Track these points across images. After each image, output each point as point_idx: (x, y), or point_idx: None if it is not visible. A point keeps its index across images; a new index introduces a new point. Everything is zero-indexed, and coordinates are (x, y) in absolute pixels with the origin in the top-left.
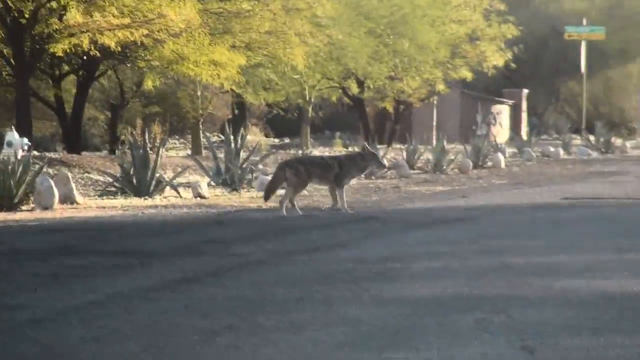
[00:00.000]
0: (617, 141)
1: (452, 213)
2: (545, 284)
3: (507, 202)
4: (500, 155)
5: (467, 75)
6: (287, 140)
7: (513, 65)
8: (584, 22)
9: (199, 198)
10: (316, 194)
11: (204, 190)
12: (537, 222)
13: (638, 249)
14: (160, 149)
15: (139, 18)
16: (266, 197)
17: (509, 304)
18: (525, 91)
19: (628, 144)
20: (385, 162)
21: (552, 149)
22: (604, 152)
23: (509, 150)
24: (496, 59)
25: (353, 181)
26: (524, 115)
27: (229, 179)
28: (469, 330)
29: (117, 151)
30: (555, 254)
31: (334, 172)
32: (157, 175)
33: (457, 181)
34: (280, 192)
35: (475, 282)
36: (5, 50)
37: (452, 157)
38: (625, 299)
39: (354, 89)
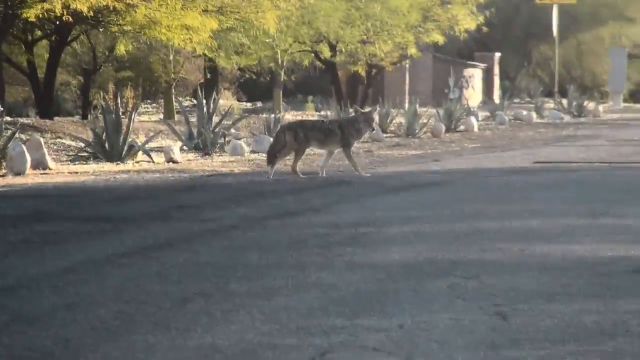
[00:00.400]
0: (589, 105)
1: (425, 177)
2: (519, 249)
3: (480, 166)
4: (472, 118)
5: (439, 39)
6: (259, 104)
7: (485, 29)
8: None
9: (171, 163)
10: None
11: (176, 154)
12: (510, 186)
13: (611, 213)
14: (133, 114)
15: None
16: (268, 162)
17: (483, 270)
18: (498, 55)
19: (600, 107)
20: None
21: (524, 113)
22: (576, 116)
23: (482, 114)
24: (468, 22)
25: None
26: (496, 79)
27: (201, 144)
28: (442, 295)
29: (89, 116)
30: (529, 219)
31: (338, 137)
32: (130, 140)
33: (429, 145)
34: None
35: (448, 247)
36: None
37: (425, 121)
38: (599, 264)
39: (326, 52)
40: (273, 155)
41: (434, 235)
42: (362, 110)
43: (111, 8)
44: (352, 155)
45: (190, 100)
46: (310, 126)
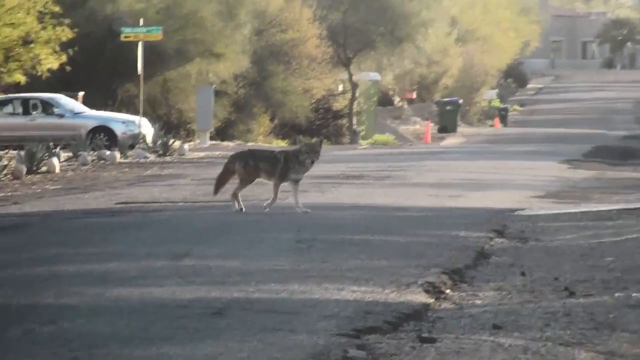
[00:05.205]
0: (175, 143)
1: (3, 220)
2: (96, 292)
3: (61, 208)
4: (54, 159)
5: (21, 79)
6: None
7: (68, 68)
8: (141, 22)
9: None
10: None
11: None
12: (90, 228)
13: (192, 254)
14: None
15: None
16: (215, 191)
17: (59, 314)
18: (82, 94)
19: (186, 146)
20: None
21: (107, 152)
22: (162, 155)
23: (64, 154)
24: (51, 62)
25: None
26: None
27: None
28: (17, 341)
29: None
30: (107, 262)
31: (280, 167)
32: None
33: (10, 187)
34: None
35: (23, 292)
36: None
37: (6, 163)
38: (178, 307)
39: None
40: (222, 185)
41: (10, 279)
42: (307, 142)
43: None
44: (278, 188)
45: None
46: (260, 155)
